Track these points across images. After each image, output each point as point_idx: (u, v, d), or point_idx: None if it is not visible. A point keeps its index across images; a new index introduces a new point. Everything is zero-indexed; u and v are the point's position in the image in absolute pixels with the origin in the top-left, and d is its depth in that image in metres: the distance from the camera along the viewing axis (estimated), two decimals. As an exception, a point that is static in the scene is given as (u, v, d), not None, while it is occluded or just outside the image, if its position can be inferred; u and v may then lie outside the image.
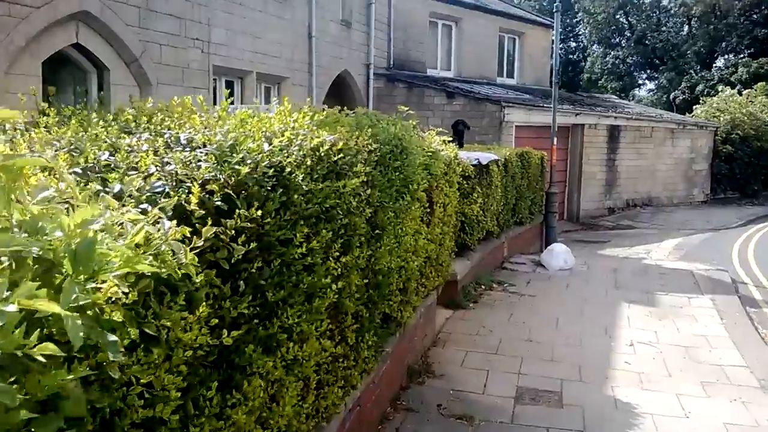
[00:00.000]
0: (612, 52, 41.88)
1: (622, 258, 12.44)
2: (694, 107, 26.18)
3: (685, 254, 13.00)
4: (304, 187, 2.65)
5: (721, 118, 22.86)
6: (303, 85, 13.66)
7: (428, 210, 5.56)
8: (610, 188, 18.77)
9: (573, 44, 45.88)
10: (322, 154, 3.01)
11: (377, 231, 3.96)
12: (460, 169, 7.07)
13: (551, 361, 6.34)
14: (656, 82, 42.14)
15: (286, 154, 2.57)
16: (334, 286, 3.04)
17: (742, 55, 35.03)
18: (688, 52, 37.52)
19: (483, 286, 8.93)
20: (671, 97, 35.90)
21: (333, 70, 14.77)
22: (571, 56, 45.18)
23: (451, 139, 11.62)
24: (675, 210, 19.89)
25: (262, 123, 2.95)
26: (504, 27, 20.57)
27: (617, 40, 41.87)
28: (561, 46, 45.30)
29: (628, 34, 41.02)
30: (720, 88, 26.46)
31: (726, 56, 36.99)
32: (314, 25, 13.65)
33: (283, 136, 2.76)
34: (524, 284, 9.32)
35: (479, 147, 10.77)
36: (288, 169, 2.52)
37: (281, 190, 2.46)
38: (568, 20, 43.79)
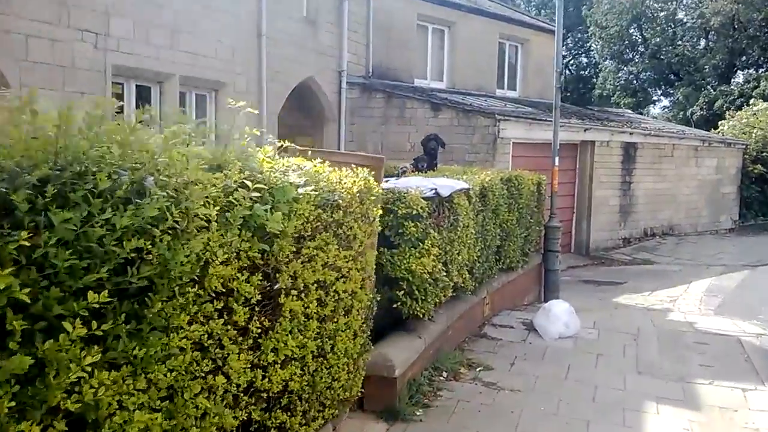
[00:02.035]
0: (625, 68, 38.67)
1: (642, 311, 9.36)
2: (719, 123, 22.91)
3: (721, 304, 9.90)
4: None
5: (752, 135, 19.61)
6: (250, 92, 10.81)
7: (265, 310, 2.62)
8: (626, 215, 15.64)
9: (584, 60, 42.82)
10: None
11: None
12: (377, 211, 4.12)
13: None
14: (672, 98, 38.88)
15: None
16: None
17: (764, 69, 31.69)
18: (706, 66, 34.22)
19: (445, 374, 5.94)
20: (689, 113, 32.63)
21: (292, 77, 11.92)
22: (582, 72, 42.16)
23: (415, 160, 8.74)
24: (700, 240, 16.68)
25: None
26: (505, 33, 17.62)
27: (630, 55, 38.63)
28: (572, 61, 42.42)
29: (642, 49, 37.79)
30: (751, 101, 23.12)
31: (747, 70, 33.66)
32: (264, 20, 10.82)
33: None
34: (506, 367, 6.30)
35: (452, 170, 7.81)
36: None
37: None
38: (579, 35, 40.87)
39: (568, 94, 38.16)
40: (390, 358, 4.98)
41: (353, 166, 3.91)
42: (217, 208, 2.23)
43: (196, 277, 2.13)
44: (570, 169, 14.59)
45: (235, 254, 2.38)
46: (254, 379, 2.59)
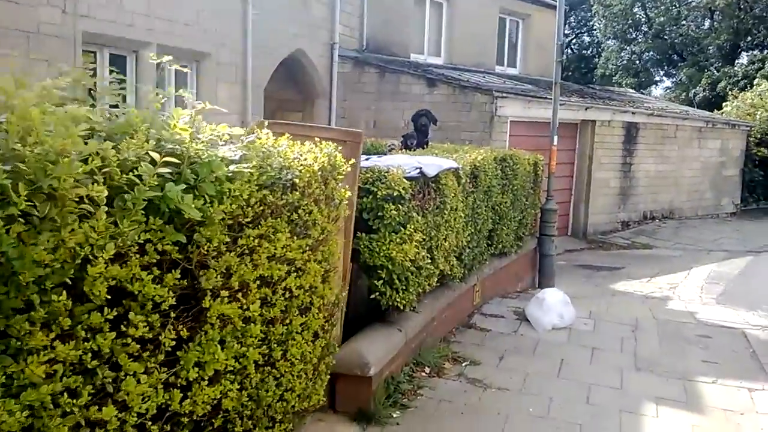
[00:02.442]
0: (628, 48, 37.80)
1: (641, 299, 8.88)
2: (722, 104, 22.26)
3: (723, 293, 9.40)
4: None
5: (757, 116, 18.95)
6: (234, 64, 10.21)
7: (185, 317, 2.11)
8: (625, 198, 15.09)
9: (587, 39, 41.94)
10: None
11: None
12: (346, 193, 3.57)
13: None
14: (674, 79, 38.10)
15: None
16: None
17: (769, 51, 30.96)
18: (710, 47, 33.47)
19: (428, 369, 5.45)
20: (691, 94, 31.92)
21: (281, 49, 11.30)
22: (584, 51, 41.34)
23: (404, 137, 8.17)
24: (701, 224, 16.14)
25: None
26: (506, 8, 16.95)
27: (633, 34, 37.73)
28: (574, 40, 41.58)
29: (645, 29, 36.90)
30: (755, 82, 22.44)
31: (751, 51, 32.87)
32: (250, -12, 10.19)
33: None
34: (495, 362, 5.80)
35: (444, 148, 7.26)
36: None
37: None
38: (582, 14, 39.99)
39: (570, 73, 37.39)
40: (364, 355, 4.48)
41: (317, 140, 3.37)
42: (104, 187, 1.70)
43: (68, 281, 1.61)
44: (569, 150, 14.03)
45: (136, 248, 1.85)
46: (169, 402, 2.08)
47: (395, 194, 4.75)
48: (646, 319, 7.47)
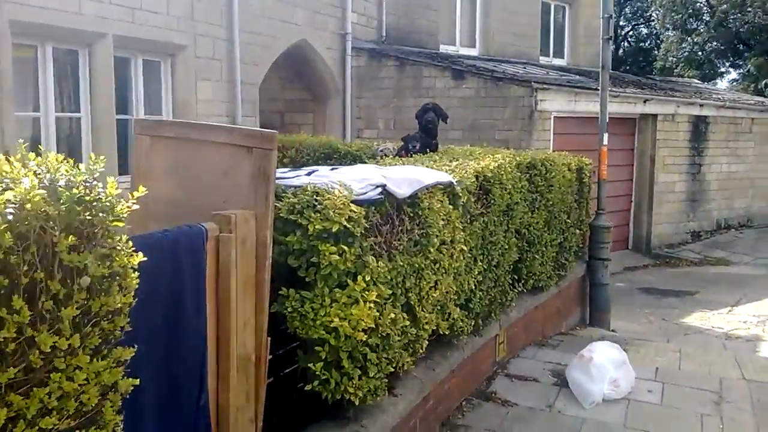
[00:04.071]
0: (689, 38, 34.76)
1: (721, 339, 6.79)
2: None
3: (833, 329, 7.20)
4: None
5: None
6: (217, 58, 8.58)
7: None
8: (695, 204, 12.78)
9: (644, 30, 38.99)
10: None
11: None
12: (136, 262, 1.74)
13: None
14: (741, 70, 34.90)
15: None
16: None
17: None
18: (780, 34, 30.31)
19: (409, 483, 3.61)
20: (761, 86, 28.89)
21: (278, 40, 9.61)
22: (642, 44, 38.44)
23: (404, 139, 6.27)
24: (786, 233, 13.70)
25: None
26: (548, -9, 14.90)
27: (694, 24, 34.70)
28: (631, 32, 38.86)
29: (707, 17, 33.86)
30: None
31: (828, 37, 29.59)
32: (236, -33, 8.55)
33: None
34: (514, 465, 3.90)
35: (453, 153, 5.38)
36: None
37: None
38: (638, 3, 37.17)
39: (627, 67, 34.63)
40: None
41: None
42: None
43: None
44: (628, 149, 11.92)
45: None
46: None
47: (336, 229, 2.93)
48: (734, 378, 5.39)
